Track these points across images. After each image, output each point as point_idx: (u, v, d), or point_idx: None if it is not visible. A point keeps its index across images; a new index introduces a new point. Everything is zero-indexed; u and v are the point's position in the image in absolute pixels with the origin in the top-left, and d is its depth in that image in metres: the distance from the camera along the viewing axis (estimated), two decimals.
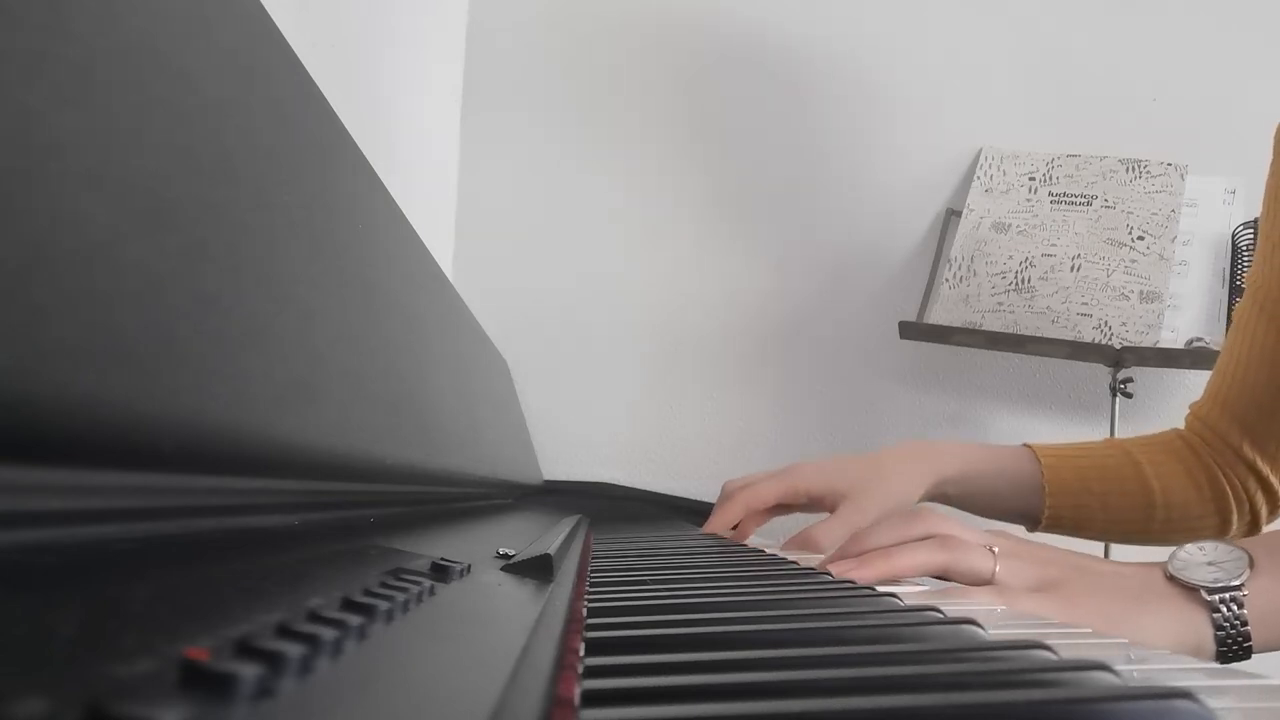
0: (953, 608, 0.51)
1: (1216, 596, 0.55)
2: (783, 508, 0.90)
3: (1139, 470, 0.86)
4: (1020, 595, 0.55)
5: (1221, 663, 0.55)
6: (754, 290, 1.54)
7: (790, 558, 0.60)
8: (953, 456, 0.88)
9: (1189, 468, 0.87)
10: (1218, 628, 0.54)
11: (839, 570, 0.55)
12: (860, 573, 0.55)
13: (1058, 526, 0.88)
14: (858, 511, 0.84)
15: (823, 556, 0.64)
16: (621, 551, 0.63)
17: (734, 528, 0.90)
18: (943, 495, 0.90)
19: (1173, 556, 0.58)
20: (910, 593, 0.53)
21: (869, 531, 0.62)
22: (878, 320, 1.48)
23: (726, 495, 0.90)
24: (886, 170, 1.52)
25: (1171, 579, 0.56)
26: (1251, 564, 0.56)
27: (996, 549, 0.58)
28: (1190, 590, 0.55)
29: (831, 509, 0.87)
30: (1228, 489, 0.85)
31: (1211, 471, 0.86)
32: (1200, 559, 0.57)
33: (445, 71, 1.52)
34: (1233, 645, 0.54)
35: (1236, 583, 0.55)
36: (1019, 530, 0.85)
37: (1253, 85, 1.45)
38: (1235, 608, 0.54)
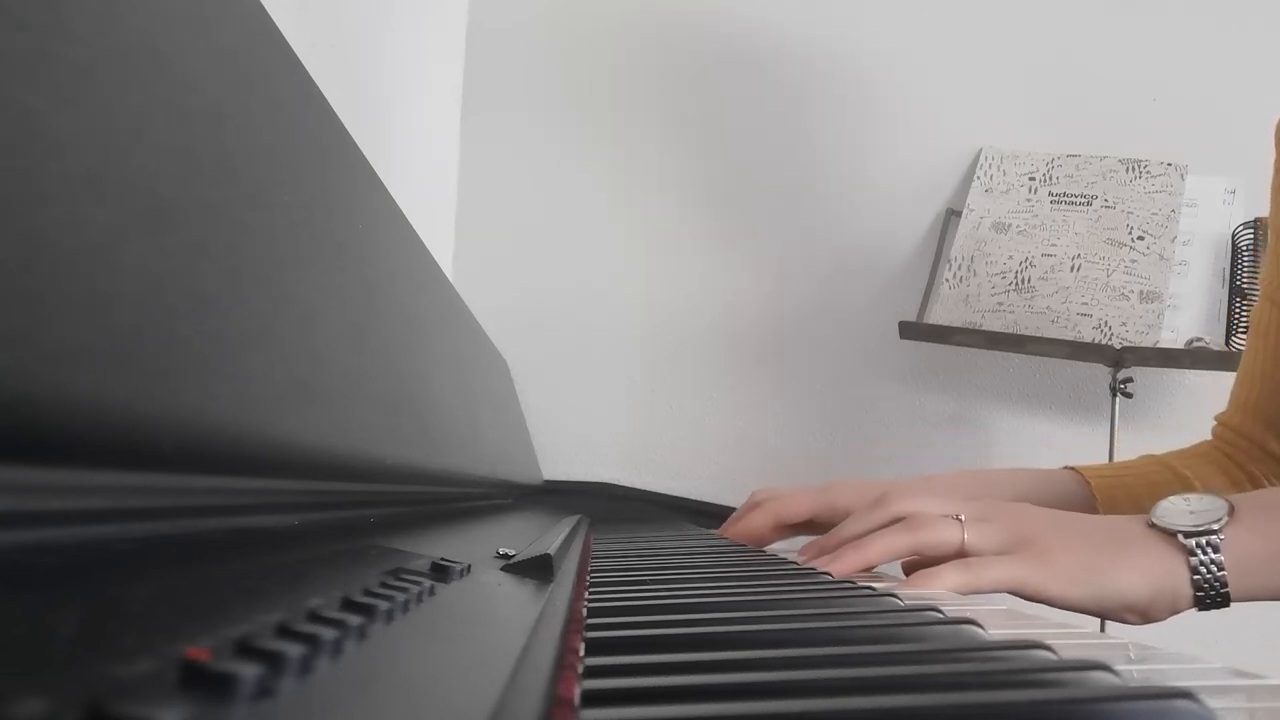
0: (913, 591, 0.51)
1: (1193, 540, 0.54)
2: (812, 525, 0.84)
3: (1187, 484, 0.84)
4: (988, 563, 0.55)
5: (1200, 609, 0.55)
6: (754, 290, 1.54)
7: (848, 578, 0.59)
8: (1003, 485, 0.85)
9: (1230, 475, 0.85)
10: (1194, 572, 0.54)
11: (816, 566, 0.55)
12: (835, 567, 0.56)
13: None
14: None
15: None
16: (621, 551, 0.63)
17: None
18: None
19: (1156, 507, 0.57)
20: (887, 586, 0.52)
21: (841, 525, 0.62)
22: (878, 320, 1.48)
23: (754, 503, 0.84)
24: (887, 170, 1.52)
25: (1151, 527, 0.56)
26: (1232, 511, 0.55)
27: (963, 516, 0.58)
28: (1168, 535, 0.55)
29: None
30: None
31: (1252, 475, 0.84)
32: (1183, 509, 0.57)
33: (445, 71, 1.52)
34: (1210, 591, 0.54)
35: (1214, 527, 0.54)
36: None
37: (1253, 85, 1.45)
38: (1211, 552, 0.54)
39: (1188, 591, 0.54)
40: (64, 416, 0.17)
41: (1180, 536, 0.55)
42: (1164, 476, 0.85)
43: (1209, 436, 0.89)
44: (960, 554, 0.57)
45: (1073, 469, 0.86)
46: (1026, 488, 0.84)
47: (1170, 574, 0.54)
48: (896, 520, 0.60)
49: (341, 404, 0.34)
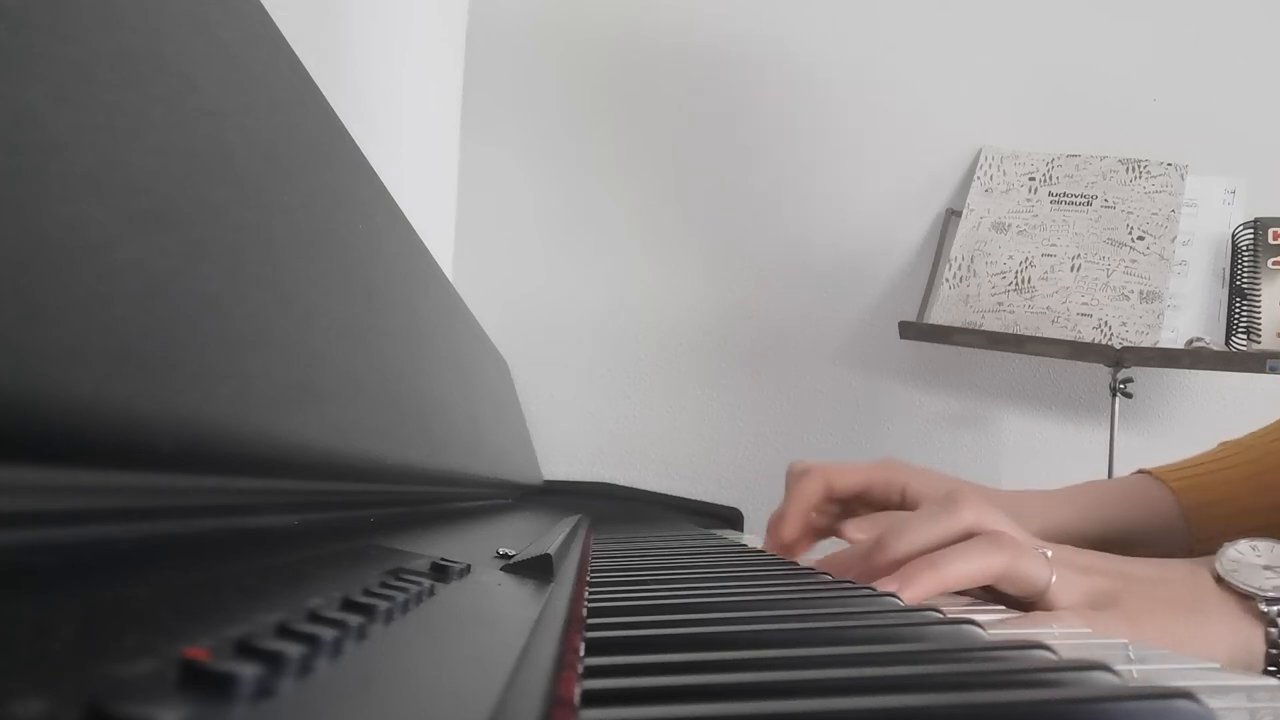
0: (1029, 631, 0.42)
1: (1275, 609, 0.47)
2: (861, 501, 0.71)
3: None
4: (1098, 617, 0.47)
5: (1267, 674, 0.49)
6: (755, 290, 1.54)
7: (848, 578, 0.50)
8: (1078, 498, 0.74)
9: None
10: (1272, 645, 0.47)
11: (878, 587, 0.45)
12: (908, 594, 0.45)
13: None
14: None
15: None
16: (621, 551, 0.63)
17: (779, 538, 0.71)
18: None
19: (1222, 554, 0.51)
20: (991, 620, 0.44)
21: (898, 530, 0.51)
22: (878, 320, 1.48)
23: (799, 473, 0.70)
24: (887, 170, 1.52)
25: (1221, 581, 0.49)
26: None
27: (1049, 553, 0.49)
28: (1243, 598, 0.48)
29: None
30: None
31: None
32: (1255, 561, 0.50)
33: (445, 71, 1.52)
34: None
35: None
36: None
37: (1253, 85, 1.45)
38: None
39: (1260, 665, 0.47)
40: (64, 416, 0.17)
41: (1261, 604, 0.48)
42: (1258, 454, 0.76)
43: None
44: (1039, 596, 0.48)
45: (1149, 473, 0.77)
46: (1113, 506, 0.74)
47: (1247, 647, 0.47)
48: (970, 534, 0.49)
49: (341, 404, 0.34)
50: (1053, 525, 0.71)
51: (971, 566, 0.47)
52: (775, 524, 0.70)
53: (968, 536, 0.49)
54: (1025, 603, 0.49)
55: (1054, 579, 0.48)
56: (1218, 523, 0.74)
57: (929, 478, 0.71)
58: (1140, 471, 0.78)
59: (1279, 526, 0.75)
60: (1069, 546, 0.52)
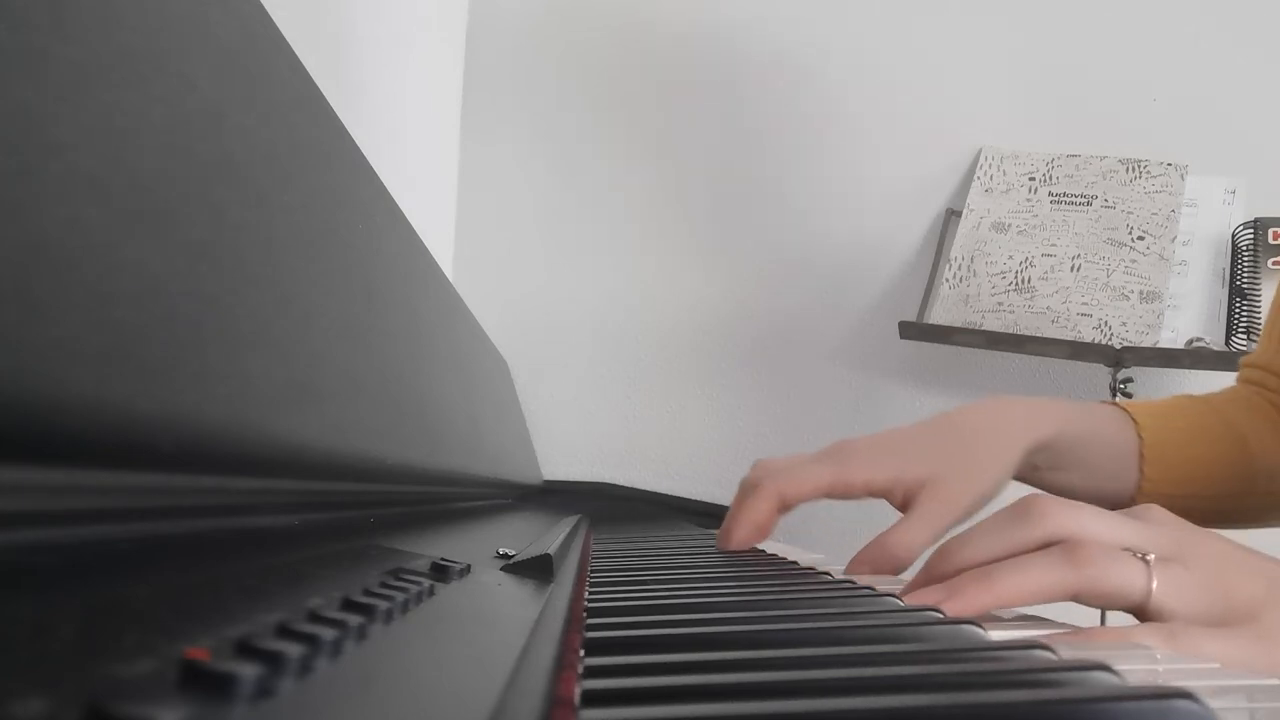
0: (1093, 653, 0.31)
1: None
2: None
3: (1240, 437, 0.71)
4: (1197, 641, 0.37)
5: None
6: (754, 290, 1.54)
7: (848, 577, 0.47)
8: (1047, 415, 0.67)
9: (1272, 421, 0.73)
10: None
11: (922, 600, 0.38)
12: (953, 604, 0.39)
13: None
14: (943, 505, 0.60)
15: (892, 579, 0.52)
16: (621, 551, 0.63)
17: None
18: (1030, 468, 0.68)
19: None
20: (1045, 634, 0.36)
21: (963, 539, 0.44)
22: (878, 320, 1.48)
23: (754, 483, 0.66)
24: (886, 170, 1.52)
25: None
26: None
27: (1151, 555, 0.40)
28: None
29: (904, 505, 0.62)
30: None
31: None
32: None
33: (445, 71, 1.52)
34: None
35: None
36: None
37: (1253, 85, 1.45)
38: None
39: None
40: (64, 416, 0.17)
41: None
42: (1211, 421, 0.73)
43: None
44: (1139, 609, 0.40)
45: (1118, 405, 0.73)
46: (1076, 419, 0.68)
47: None
48: (1049, 543, 0.41)
49: (341, 404, 0.34)
50: (1044, 438, 0.66)
51: (1036, 582, 0.40)
52: (723, 541, 0.66)
53: (1044, 546, 0.41)
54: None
55: (1156, 586, 0.39)
56: (1164, 484, 0.71)
57: (889, 458, 0.64)
58: (1112, 403, 0.75)
59: (1211, 513, 0.72)
60: (1187, 535, 0.42)
